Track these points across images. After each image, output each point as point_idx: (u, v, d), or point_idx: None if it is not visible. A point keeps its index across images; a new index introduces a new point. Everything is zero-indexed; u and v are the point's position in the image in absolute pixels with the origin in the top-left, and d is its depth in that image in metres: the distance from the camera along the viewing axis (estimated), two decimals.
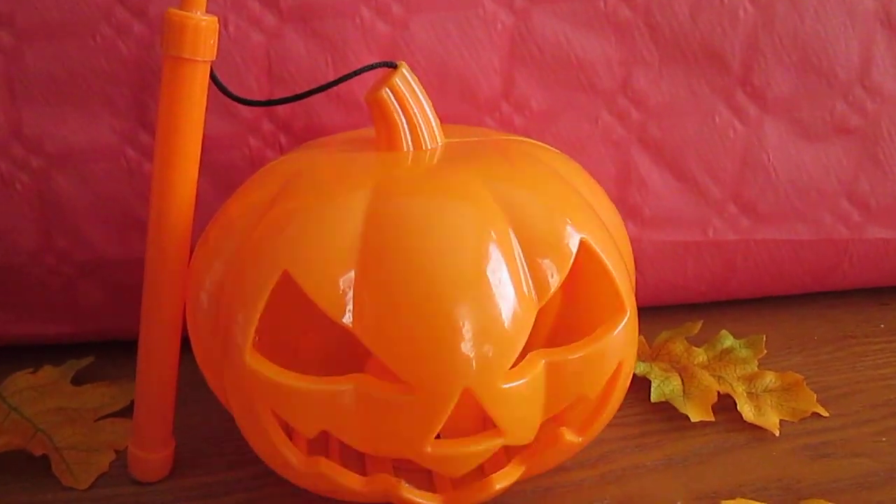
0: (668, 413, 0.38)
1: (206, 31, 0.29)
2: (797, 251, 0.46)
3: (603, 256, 0.29)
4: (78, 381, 0.41)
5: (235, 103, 0.39)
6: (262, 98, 0.40)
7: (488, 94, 0.41)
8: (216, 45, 0.30)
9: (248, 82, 0.40)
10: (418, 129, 0.31)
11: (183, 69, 0.29)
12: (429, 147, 0.32)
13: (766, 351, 0.42)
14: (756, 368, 0.41)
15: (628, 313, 0.29)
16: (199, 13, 0.29)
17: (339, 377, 0.27)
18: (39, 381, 0.41)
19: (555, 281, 0.27)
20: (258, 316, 0.27)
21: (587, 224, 0.29)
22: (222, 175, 0.41)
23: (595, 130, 0.43)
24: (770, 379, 0.40)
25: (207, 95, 0.30)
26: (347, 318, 0.26)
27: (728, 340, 0.43)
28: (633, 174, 0.44)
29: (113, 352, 0.43)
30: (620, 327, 0.29)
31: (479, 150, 0.32)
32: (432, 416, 0.26)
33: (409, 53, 0.40)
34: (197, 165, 0.31)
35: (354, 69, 0.33)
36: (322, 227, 0.27)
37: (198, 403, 0.38)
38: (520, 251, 0.27)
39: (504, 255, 0.27)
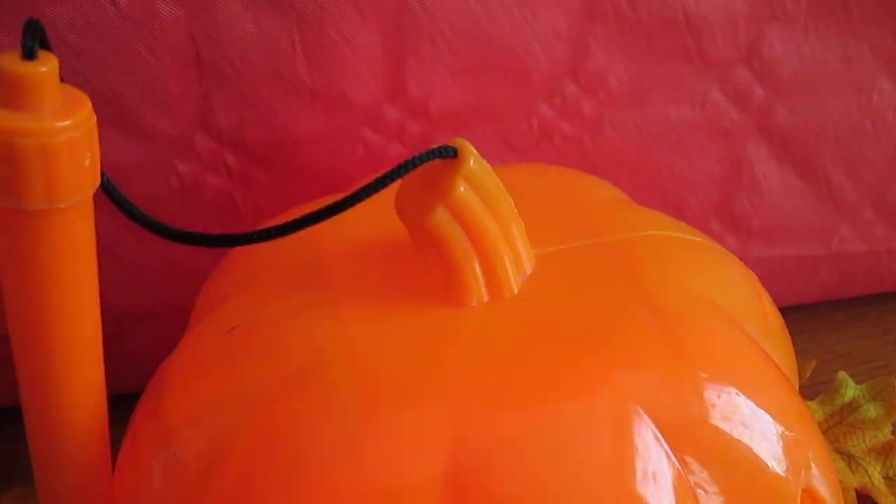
0: None
1: (67, 147, 0.13)
2: None
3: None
4: None
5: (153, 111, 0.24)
6: (192, 106, 0.24)
7: (547, 71, 0.27)
8: (97, 159, 0.14)
9: (164, 82, 0.24)
10: (498, 267, 0.17)
11: (31, 226, 0.14)
12: (513, 289, 0.18)
13: None
14: (890, 434, 0.31)
15: None
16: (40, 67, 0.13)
17: None
18: None
19: None
20: None
21: (808, 442, 0.17)
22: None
23: (700, 117, 0.29)
24: None
25: None
26: None
27: (850, 389, 0.33)
28: (745, 174, 0.30)
29: None
30: None
31: (596, 286, 0.18)
32: None
33: (427, 15, 0.25)
34: (100, 350, 0.17)
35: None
36: None
37: None
38: None
39: None
